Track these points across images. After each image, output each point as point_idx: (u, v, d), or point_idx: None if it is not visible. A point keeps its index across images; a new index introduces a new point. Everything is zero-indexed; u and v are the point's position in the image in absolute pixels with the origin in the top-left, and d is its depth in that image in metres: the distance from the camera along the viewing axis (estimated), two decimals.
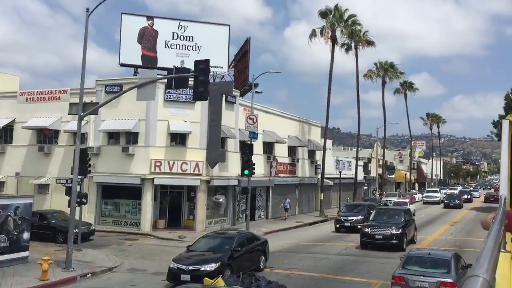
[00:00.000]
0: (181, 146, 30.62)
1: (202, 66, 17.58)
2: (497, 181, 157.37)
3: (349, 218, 30.23)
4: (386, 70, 63.86)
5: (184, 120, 30.53)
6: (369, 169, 67.75)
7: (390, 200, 56.44)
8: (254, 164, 31.35)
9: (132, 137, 30.46)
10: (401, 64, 74.97)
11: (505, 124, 5.00)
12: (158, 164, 29.64)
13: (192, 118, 30.76)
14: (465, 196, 63.51)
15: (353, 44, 53.19)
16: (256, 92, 41.55)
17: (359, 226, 26.93)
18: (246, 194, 31.29)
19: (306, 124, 47.25)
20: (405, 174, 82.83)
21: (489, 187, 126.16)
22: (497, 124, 56.13)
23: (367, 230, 24.00)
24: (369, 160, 69.74)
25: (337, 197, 51.18)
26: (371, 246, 23.78)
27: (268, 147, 39.47)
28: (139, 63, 33.18)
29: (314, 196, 48.01)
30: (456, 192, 70.75)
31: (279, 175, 41.03)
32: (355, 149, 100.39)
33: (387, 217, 25.38)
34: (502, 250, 2.35)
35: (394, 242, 23.06)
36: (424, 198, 61.39)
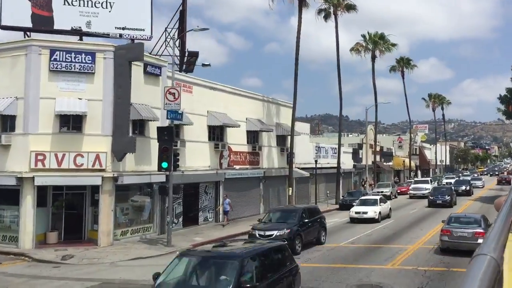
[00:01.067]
0: (75, 133, 22.83)
1: None
2: (508, 165, 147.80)
3: (267, 232, 19.47)
4: (375, 42, 55.36)
5: (79, 97, 22.73)
6: (360, 157, 59.60)
7: (381, 191, 48.64)
8: (178, 154, 23.67)
9: (8, 122, 22.75)
10: (393, 35, 65.36)
11: None
12: (40, 157, 21.89)
13: (90, 94, 22.95)
14: (463, 188, 50.09)
15: (331, 10, 45.28)
16: (204, 65, 33.84)
17: None
18: (165, 196, 23.53)
19: (273, 104, 39.24)
20: (404, 161, 74.51)
21: (497, 172, 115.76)
22: (504, 99, 47.86)
23: None
24: (360, 146, 61.48)
25: (317, 190, 43.25)
26: None
27: (217, 133, 31.59)
28: (29, 25, 25.31)
29: (286, 190, 40.08)
30: (451, 181, 57.26)
31: (234, 166, 33.23)
32: (356, 135, 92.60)
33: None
34: None
35: None
36: (410, 191, 50.07)
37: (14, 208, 22.44)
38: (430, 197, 39.06)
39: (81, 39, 25.51)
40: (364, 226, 27.00)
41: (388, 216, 30.63)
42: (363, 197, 31.88)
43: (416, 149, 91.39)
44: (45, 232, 22.74)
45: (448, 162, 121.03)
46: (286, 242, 13.27)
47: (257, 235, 19.13)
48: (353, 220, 29.10)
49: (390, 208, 31.52)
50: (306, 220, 19.93)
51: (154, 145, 25.13)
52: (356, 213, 29.19)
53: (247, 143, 34.97)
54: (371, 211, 28.57)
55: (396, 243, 22.17)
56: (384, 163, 69.69)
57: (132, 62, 23.56)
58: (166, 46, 33.49)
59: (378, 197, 30.90)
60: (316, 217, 21.10)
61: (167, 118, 23.09)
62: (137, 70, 24.65)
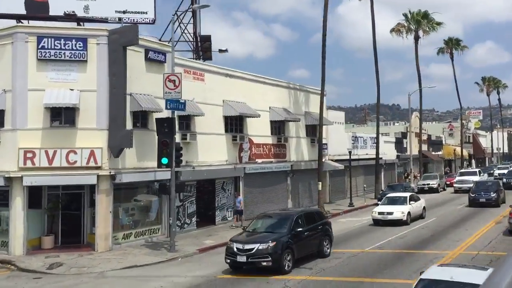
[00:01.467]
0: (68, 127, 20.79)
1: None
2: None
3: (247, 246, 15.40)
4: (418, 22, 50.90)
5: (70, 88, 20.66)
6: (405, 146, 55.31)
7: (427, 184, 44.64)
8: (181, 148, 21.27)
9: None
10: (438, 13, 56.38)
11: None
12: (30, 155, 19.98)
13: (83, 84, 20.83)
14: None
15: None
16: (220, 50, 31.39)
17: (264, 263, 14.96)
18: (167, 195, 21.15)
19: (301, 92, 36.12)
20: (454, 150, 69.08)
21: None
22: None
23: None
24: (404, 135, 57.05)
25: (354, 183, 39.79)
26: None
27: (235, 124, 28.90)
28: (23, 11, 23.52)
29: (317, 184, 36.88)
30: (504, 172, 49.43)
31: (256, 160, 30.47)
32: (403, 123, 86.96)
33: None
34: None
35: None
36: (455, 185, 43.98)
37: (5, 211, 20.71)
38: (471, 195, 31.63)
39: (79, 24, 23.49)
40: (398, 227, 23.51)
41: (421, 216, 26.20)
42: (390, 195, 27.66)
43: (469, 136, 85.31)
44: (40, 237, 20.91)
45: (506, 150, 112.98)
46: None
47: (235, 249, 15.48)
48: (377, 222, 24.87)
49: (424, 206, 26.98)
50: (301, 229, 16.12)
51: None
52: (380, 213, 24.90)
53: (271, 134, 32.10)
54: (398, 212, 24.24)
55: (433, 248, 18.73)
56: (433, 153, 64.79)
57: (130, 47, 21.27)
58: (182, 33, 31.28)
59: (408, 194, 26.64)
60: (316, 224, 17.35)
61: (167, 108, 20.59)
62: (137, 56, 22.38)
